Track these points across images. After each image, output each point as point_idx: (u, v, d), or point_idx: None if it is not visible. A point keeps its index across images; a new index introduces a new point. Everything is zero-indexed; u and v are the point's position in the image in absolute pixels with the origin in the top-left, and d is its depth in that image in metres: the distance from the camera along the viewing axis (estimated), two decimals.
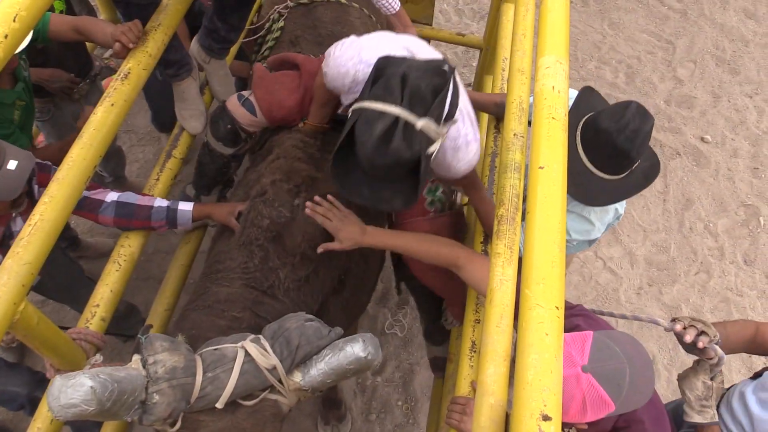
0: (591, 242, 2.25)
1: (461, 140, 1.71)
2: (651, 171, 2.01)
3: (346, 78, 1.77)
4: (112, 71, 3.12)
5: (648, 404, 1.67)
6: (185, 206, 2.15)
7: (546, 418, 0.90)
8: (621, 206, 2.17)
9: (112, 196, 2.09)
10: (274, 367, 1.54)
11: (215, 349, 1.57)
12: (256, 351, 1.55)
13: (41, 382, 2.59)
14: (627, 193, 1.99)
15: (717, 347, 1.79)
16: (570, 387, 1.44)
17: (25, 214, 2.03)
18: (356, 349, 1.56)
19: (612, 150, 1.84)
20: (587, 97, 2.06)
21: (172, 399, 1.44)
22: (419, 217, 2.22)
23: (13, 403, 2.59)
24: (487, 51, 3.40)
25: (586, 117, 1.97)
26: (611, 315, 2.12)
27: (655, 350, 3.52)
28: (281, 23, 2.66)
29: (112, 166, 3.53)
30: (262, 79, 2.27)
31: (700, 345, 1.78)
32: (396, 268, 2.64)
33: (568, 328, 1.76)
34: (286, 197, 2.02)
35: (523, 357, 0.97)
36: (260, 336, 1.61)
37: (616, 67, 4.91)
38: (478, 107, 2.42)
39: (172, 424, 1.51)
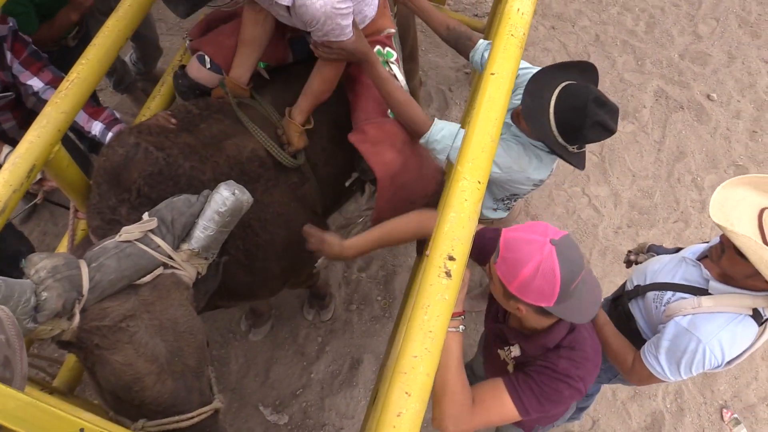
0: (512, 188, 2.30)
1: None
2: (577, 161, 2.12)
3: None
4: None
5: (591, 339, 1.84)
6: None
7: (451, 258, 1.17)
8: (546, 174, 2.28)
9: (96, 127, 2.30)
10: (159, 246, 1.62)
11: (97, 247, 1.65)
12: (135, 230, 1.63)
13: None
14: (554, 149, 2.05)
15: None
16: (532, 249, 1.49)
17: None
18: (224, 193, 1.66)
19: (579, 122, 1.93)
20: (588, 70, 2.14)
21: (61, 290, 1.48)
22: (379, 118, 2.25)
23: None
24: None
25: (581, 84, 2.02)
26: None
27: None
28: None
29: (145, 57, 3.77)
30: (201, 41, 2.32)
31: None
32: None
33: None
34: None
35: (444, 214, 1.23)
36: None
37: (639, 15, 4.96)
38: (429, 21, 2.42)
39: (70, 318, 1.53)
